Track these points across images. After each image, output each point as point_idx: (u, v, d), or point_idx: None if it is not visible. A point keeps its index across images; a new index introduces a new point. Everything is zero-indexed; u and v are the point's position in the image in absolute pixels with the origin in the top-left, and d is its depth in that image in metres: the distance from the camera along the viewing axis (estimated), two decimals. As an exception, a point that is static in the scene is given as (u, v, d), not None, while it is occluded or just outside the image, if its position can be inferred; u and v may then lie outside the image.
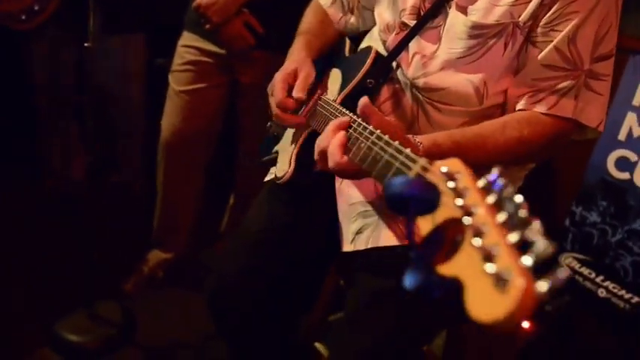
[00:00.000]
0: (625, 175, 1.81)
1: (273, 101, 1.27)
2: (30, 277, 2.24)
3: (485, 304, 0.51)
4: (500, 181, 0.59)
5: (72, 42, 2.09)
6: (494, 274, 0.52)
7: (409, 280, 0.59)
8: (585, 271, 1.90)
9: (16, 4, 1.99)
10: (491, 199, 0.58)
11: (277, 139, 1.42)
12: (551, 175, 1.97)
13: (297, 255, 1.38)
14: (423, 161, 0.74)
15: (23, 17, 2.02)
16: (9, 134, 2.66)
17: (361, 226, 1.24)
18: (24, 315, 2.06)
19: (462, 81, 1.15)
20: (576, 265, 1.92)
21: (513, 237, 0.54)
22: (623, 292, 1.84)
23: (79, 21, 1.80)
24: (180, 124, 2.09)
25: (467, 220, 0.58)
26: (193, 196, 2.29)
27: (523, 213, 0.55)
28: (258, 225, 1.40)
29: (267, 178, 1.44)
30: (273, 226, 1.38)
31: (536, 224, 0.54)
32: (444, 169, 0.66)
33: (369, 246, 1.22)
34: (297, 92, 1.23)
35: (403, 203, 0.62)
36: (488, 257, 0.53)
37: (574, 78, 1.09)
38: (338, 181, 1.29)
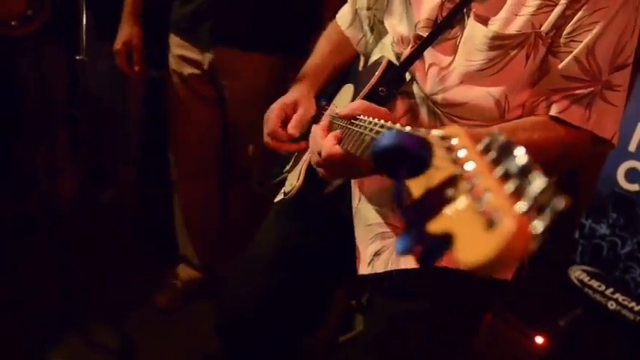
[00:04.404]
0: (635, 187, 1.80)
1: (265, 129, 1.27)
2: (18, 301, 2.14)
3: (474, 246, 0.47)
4: (501, 139, 0.55)
5: (64, 51, 2.01)
6: (484, 212, 0.48)
7: (400, 246, 0.54)
8: (595, 283, 1.89)
9: (7, 9, 1.90)
10: (490, 156, 0.55)
11: (288, 159, 1.38)
12: (561, 187, 1.95)
13: (309, 275, 1.35)
14: (421, 132, 0.69)
15: (13, 23, 1.94)
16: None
17: (379, 248, 1.20)
18: (14, 344, 1.96)
19: (483, 95, 1.11)
20: (586, 278, 1.90)
21: (510, 186, 0.50)
22: (633, 304, 1.83)
23: (72, 30, 1.74)
24: (183, 136, 2.09)
25: (459, 170, 0.54)
26: (212, 207, 2.26)
27: (522, 161, 0.51)
28: (269, 246, 1.37)
29: (276, 199, 1.39)
30: (284, 247, 1.35)
31: (537, 172, 0.50)
32: (440, 133, 0.63)
33: (388, 268, 1.18)
34: (292, 128, 1.25)
35: (393, 158, 0.58)
36: (479, 201, 0.50)
37: (590, 88, 1.06)
38: (355, 201, 1.24)
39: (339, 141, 1.00)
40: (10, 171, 2.63)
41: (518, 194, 0.48)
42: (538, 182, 0.48)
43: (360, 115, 0.98)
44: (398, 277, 1.17)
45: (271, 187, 1.41)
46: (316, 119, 1.29)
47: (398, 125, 0.80)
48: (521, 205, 0.48)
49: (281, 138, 1.25)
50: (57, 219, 2.41)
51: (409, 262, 1.17)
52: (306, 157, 1.26)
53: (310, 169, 1.22)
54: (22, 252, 2.39)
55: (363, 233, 1.22)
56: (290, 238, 1.35)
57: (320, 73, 1.36)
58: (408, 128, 0.76)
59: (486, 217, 0.47)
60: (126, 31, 1.97)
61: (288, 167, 1.36)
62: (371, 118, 0.93)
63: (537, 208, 0.47)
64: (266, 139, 1.27)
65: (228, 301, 1.41)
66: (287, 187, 1.28)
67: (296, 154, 1.35)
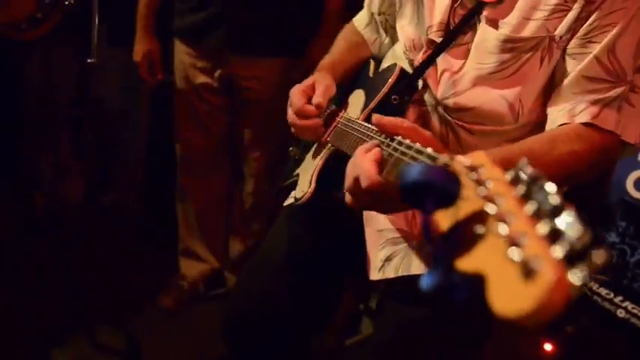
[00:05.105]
0: (644, 196, 1.78)
1: (291, 111, 1.26)
2: (23, 302, 2.14)
3: (511, 297, 0.45)
4: (529, 171, 0.54)
5: (74, 54, 2.01)
6: (522, 261, 0.46)
7: (427, 281, 0.52)
8: (604, 291, 1.87)
9: (16, 11, 1.90)
10: (519, 190, 0.53)
11: (299, 162, 1.38)
12: (570, 194, 1.94)
13: (317, 279, 1.37)
14: (444, 158, 0.69)
15: (23, 26, 1.94)
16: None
17: (390, 253, 1.20)
18: (19, 345, 1.96)
19: (496, 98, 1.10)
20: (594, 286, 1.89)
21: (543, 227, 0.48)
22: (642, 312, 1.81)
23: (81, 33, 1.74)
24: (191, 139, 2.09)
25: (491, 208, 0.52)
26: (220, 205, 2.26)
27: (555, 201, 0.49)
28: (278, 250, 1.38)
29: (286, 203, 1.39)
30: (294, 251, 1.36)
31: (570, 212, 0.48)
32: (467, 163, 0.61)
33: (399, 274, 1.19)
34: (317, 98, 1.23)
35: (418, 192, 0.56)
36: (514, 246, 0.48)
37: (617, 89, 1.03)
38: (365, 205, 1.24)
39: (380, 167, 0.91)
40: (14, 171, 2.64)
41: (552, 237, 0.47)
42: (575, 227, 0.46)
43: (400, 137, 0.90)
44: (408, 283, 1.17)
45: (282, 188, 1.41)
46: (328, 124, 1.29)
47: (429, 150, 0.77)
48: (557, 251, 0.46)
49: (309, 113, 1.23)
50: (61, 220, 2.41)
51: (420, 268, 1.17)
52: (317, 163, 1.25)
53: (321, 175, 1.22)
54: (25, 252, 2.39)
55: (373, 238, 1.22)
56: (300, 243, 1.36)
57: (337, 67, 1.37)
58: (443, 158, 0.71)
59: (523, 265, 0.45)
60: (145, 45, 1.99)
61: (298, 170, 1.36)
62: (417, 145, 0.83)
63: (574, 254, 0.46)
64: (292, 119, 1.25)
65: (236, 303, 1.43)
66: (298, 193, 1.27)
67: (308, 155, 1.35)
